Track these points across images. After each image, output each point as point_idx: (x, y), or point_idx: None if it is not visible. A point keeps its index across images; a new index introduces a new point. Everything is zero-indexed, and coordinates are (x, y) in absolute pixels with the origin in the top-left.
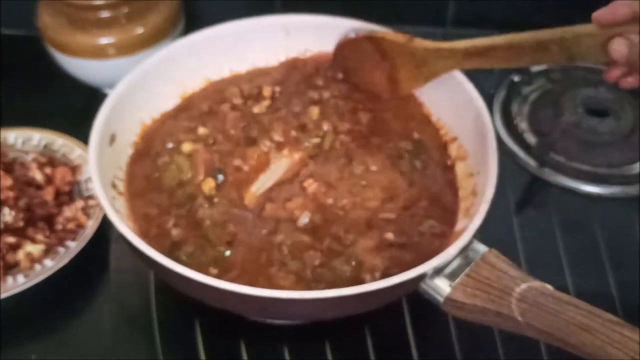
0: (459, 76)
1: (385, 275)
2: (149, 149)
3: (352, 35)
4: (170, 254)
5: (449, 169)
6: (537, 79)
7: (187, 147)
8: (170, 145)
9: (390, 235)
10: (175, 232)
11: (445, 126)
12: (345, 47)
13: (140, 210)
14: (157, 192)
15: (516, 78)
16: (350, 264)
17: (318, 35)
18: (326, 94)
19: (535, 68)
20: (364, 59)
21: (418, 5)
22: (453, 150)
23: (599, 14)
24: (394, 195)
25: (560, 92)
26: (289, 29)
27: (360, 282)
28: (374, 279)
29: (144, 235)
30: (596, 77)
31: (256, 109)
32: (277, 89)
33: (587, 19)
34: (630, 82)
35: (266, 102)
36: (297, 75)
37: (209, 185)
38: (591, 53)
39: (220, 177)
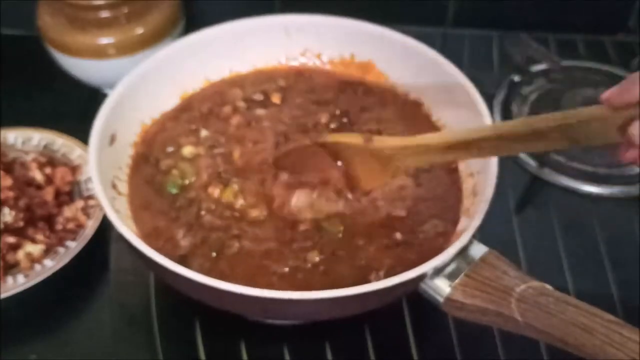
0: (459, 76)
1: (389, 274)
2: (150, 153)
3: (297, 144)
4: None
5: (454, 169)
6: (537, 79)
7: (188, 150)
8: (171, 149)
9: (398, 235)
10: (183, 243)
11: (445, 126)
12: (288, 155)
13: (145, 221)
14: (160, 199)
15: (516, 78)
16: (360, 263)
17: (318, 35)
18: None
19: (535, 68)
20: (313, 163)
21: (418, 5)
22: None
23: (611, 96)
24: (402, 195)
25: (560, 92)
26: (289, 29)
27: (366, 281)
28: (378, 278)
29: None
30: (596, 77)
31: (260, 112)
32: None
33: (585, 19)
34: None
35: (274, 109)
36: (303, 85)
37: (215, 190)
38: (601, 137)
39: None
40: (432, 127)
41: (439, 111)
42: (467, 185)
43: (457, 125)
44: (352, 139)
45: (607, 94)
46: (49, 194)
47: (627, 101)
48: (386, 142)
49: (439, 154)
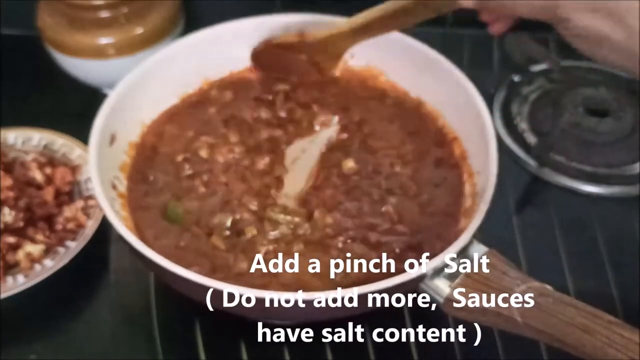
0: (459, 76)
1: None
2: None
3: (257, 46)
4: None
5: (456, 170)
6: (537, 79)
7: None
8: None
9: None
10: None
11: (445, 125)
12: (260, 54)
13: (145, 221)
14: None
15: (516, 78)
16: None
17: None
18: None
19: (535, 68)
20: (281, 58)
21: None
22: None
23: None
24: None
25: (560, 92)
26: (289, 29)
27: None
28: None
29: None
30: (596, 77)
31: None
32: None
33: None
34: (497, 27)
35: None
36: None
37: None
38: (447, 5)
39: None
40: (432, 126)
41: (438, 110)
42: (467, 185)
43: (457, 126)
44: (287, 38)
45: None
46: (49, 194)
47: None
48: (314, 35)
49: (352, 37)
